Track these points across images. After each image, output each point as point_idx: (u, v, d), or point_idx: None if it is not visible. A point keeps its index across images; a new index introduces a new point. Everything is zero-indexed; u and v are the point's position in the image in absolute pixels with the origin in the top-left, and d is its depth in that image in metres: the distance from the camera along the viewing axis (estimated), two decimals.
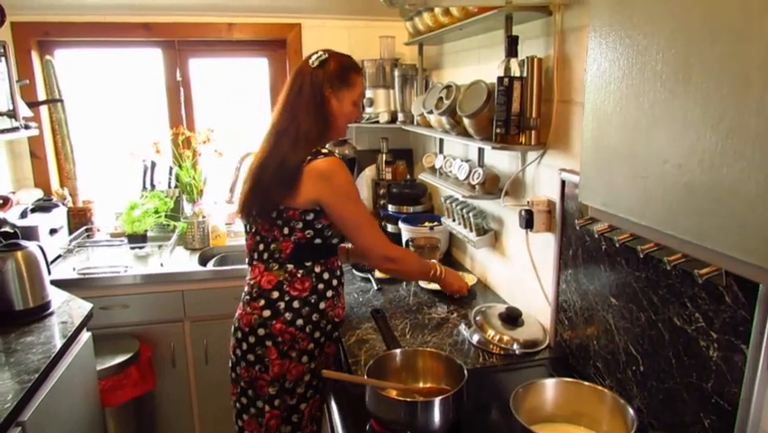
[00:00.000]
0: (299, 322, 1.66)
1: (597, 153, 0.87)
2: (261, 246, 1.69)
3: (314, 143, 1.63)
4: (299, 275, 1.68)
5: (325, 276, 1.72)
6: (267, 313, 1.65)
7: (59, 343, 1.75)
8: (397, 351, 1.44)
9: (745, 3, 0.58)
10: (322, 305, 1.71)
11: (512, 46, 1.62)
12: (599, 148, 0.87)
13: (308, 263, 1.69)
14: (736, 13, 0.59)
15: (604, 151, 0.85)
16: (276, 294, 1.66)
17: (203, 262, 2.73)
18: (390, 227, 2.73)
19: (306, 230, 1.65)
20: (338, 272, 1.79)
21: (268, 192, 1.63)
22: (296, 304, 1.67)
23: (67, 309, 2.00)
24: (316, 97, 1.65)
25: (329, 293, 1.73)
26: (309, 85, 1.65)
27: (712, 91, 0.63)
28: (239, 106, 3.17)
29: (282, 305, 1.66)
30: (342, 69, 1.68)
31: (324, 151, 1.63)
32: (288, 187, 1.60)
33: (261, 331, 1.65)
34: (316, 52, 1.68)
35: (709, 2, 0.63)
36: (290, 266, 1.67)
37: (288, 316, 1.65)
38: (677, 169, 0.68)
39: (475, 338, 1.71)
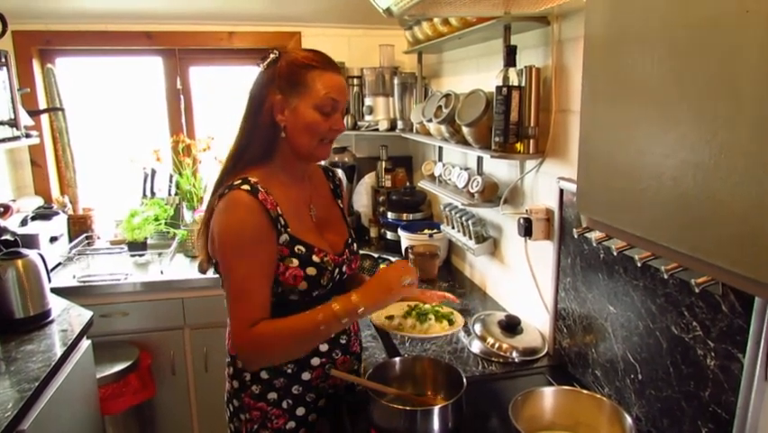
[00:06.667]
0: (272, 396, 1.33)
1: (592, 165, 0.88)
2: (225, 302, 1.27)
3: (247, 169, 1.31)
4: None
5: None
6: (236, 384, 1.37)
7: (59, 351, 1.75)
8: (397, 359, 1.45)
9: (738, 18, 0.59)
10: (305, 376, 1.34)
11: (510, 56, 1.64)
12: (595, 159, 0.88)
13: None
14: (730, 28, 0.60)
15: (599, 162, 0.86)
16: (240, 362, 1.34)
17: (203, 269, 2.73)
18: (390, 235, 2.75)
19: None
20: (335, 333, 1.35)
21: (202, 236, 1.35)
22: (264, 374, 1.33)
23: (67, 317, 2.01)
24: (254, 106, 1.32)
25: (315, 361, 1.35)
26: (253, 93, 1.33)
27: (706, 106, 0.64)
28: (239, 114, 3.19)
29: (248, 376, 1.34)
30: (291, 68, 1.28)
31: (236, 182, 1.25)
32: (204, 231, 1.32)
33: (236, 403, 1.37)
34: (272, 51, 1.33)
35: (703, 18, 0.64)
36: None
37: (255, 388, 1.33)
38: (672, 181, 0.69)
39: (474, 346, 1.72)
